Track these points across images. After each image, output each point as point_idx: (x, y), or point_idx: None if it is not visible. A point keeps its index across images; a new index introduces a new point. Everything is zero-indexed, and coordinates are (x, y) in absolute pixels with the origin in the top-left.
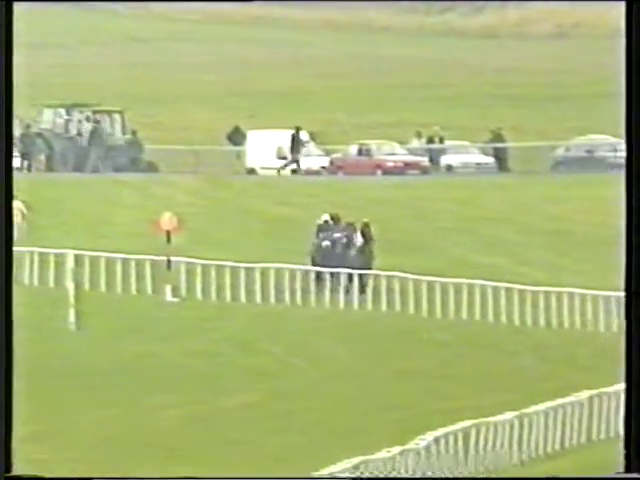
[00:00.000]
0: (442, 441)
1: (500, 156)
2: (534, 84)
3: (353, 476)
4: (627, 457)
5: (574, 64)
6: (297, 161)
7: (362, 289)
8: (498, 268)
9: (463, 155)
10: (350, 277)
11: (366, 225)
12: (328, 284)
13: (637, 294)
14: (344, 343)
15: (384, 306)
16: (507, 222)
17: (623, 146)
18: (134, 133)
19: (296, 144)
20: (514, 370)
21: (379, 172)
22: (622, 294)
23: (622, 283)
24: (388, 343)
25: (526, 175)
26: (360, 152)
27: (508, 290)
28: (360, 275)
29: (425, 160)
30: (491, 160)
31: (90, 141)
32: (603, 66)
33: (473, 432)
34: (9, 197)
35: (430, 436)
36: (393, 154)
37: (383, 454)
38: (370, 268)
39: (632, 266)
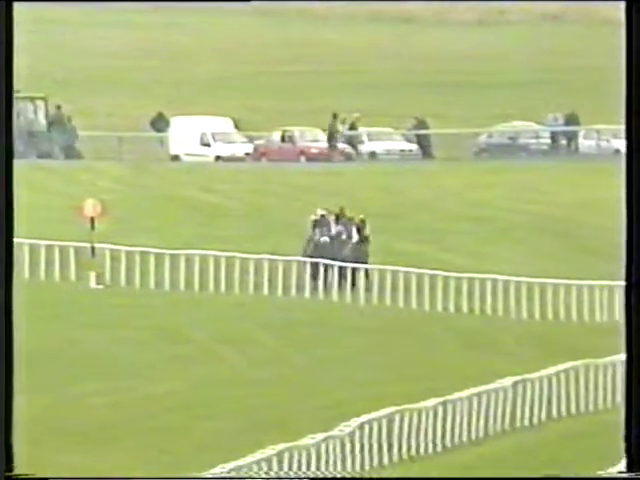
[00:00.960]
0: (366, 427)
1: (423, 143)
2: (458, 71)
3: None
4: (628, 457)
5: (497, 51)
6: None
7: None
8: (422, 255)
9: (386, 142)
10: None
11: (362, 221)
12: (252, 271)
13: (637, 285)
14: (268, 330)
15: (307, 293)
16: (431, 209)
17: (546, 133)
18: (69, 119)
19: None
20: (437, 356)
21: (303, 159)
22: (546, 280)
23: (546, 269)
24: (312, 330)
25: (449, 162)
26: (283, 139)
27: (432, 277)
28: (285, 262)
29: (348, 147)
30: (414, 147)
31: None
32: (527, 53)
33: (397, 418)
34: (9, 194)
35: (354, 422)
36: (317, 140)
37: (307, 441)
38: (366, 264)
39: (632, 256)
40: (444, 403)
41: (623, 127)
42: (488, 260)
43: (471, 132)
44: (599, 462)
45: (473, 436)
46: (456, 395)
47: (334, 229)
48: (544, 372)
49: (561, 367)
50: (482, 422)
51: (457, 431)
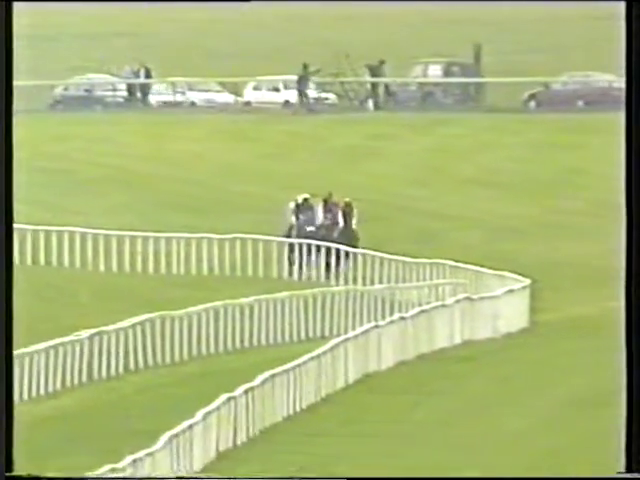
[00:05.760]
0: None
1: None
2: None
3: None
4: (628, 457)
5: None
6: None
7: None
8: None
9: None
10: None
11: (347, 205)
12: None
13: (637, 276)
14: None
15: None
16: None
17: (122, 85)
18: None
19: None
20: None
21: None
22: (123, 232)
23: (124, 221)
24: None
25: (25, 113)
26: None
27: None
28: None
29: None
30: None
31: None
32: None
33: None
34: (9, 187)
35: None
36: None
37: None
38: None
39: (632, 250)
40: (21, 357)
41: (207, 79)
42: (66, 213)
43: (47, 84)
44: (172, 412)
45: (51, 389)
46: (32, 348)
47: (319, 216)
48: (120, 324)
49: (137, 319)
50: (60, 375)
51: (35, 384)
